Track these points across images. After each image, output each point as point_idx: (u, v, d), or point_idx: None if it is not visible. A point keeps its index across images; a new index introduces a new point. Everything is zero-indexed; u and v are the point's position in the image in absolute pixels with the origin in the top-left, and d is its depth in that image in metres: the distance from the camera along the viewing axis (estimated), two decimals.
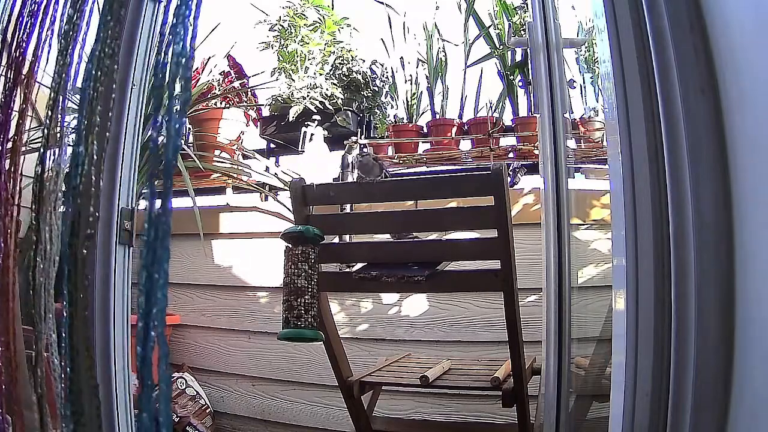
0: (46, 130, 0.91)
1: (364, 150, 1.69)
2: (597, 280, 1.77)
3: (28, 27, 1.00)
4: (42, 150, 0.91)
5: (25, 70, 1.02)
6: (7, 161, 1.01)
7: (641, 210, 0.78)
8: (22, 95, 1.01)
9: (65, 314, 0.80)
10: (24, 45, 1.00)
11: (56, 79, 0.89)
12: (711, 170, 0.72)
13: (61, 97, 0.89)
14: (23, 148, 1.06)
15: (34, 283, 0.88)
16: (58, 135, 0.91)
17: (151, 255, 0.56)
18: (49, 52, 1.01)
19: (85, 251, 0.80)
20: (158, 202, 0.58)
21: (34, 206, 0.91)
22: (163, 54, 0.62)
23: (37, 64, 1.00)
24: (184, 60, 0.59)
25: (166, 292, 0.57)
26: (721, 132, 0.72)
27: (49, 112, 0.91)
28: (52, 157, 0.92)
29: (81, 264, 0.79)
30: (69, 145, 0.92)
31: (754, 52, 0.68)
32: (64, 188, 0.90)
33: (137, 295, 0.57)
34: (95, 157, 0.77)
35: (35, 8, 0.99)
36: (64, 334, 0.80)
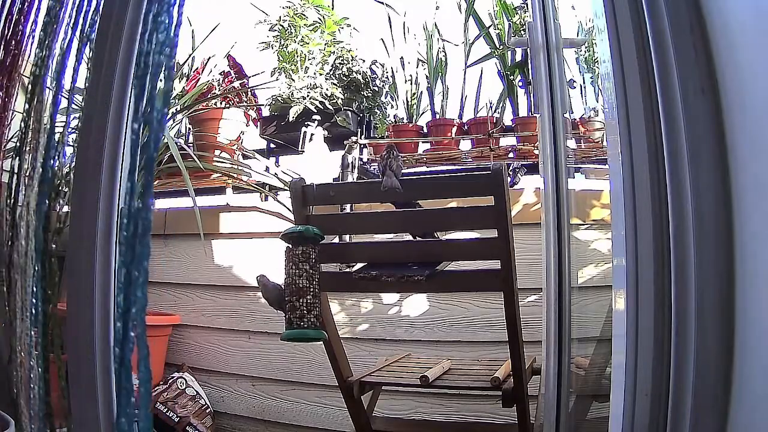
0: (23, 124, 0.91)
1: (396, 154, 1.66)
2: (597, 280, 1.77)
3: (19, 25, 0.99)
4: (18, 144, 0.91)
5: (12, 66, 1.01)
6: None
7: (641, 210, 0.78)
8: (6, 91, 1.01)
9: (37, 312, 0.79)
10: (14, 42, 0.99)
11: (35, 71, 0.89)
12: (711, 170, 0.72)
13: (38, 91, 0.88)
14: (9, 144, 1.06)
15: (10, 280, 0.87)
16: (37, 129, 0.90)
17: (130, 252, 0.55)
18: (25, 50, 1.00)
19: (54, 246, 0.79)
20: (138, 198, 0.56)
21: (8, 201, 0.90)
22: (146, 43, 0.61)
23: (22, 59, 0.99)
24: (168, 49, 0.59)
25: (146, 291, 0.55)
26: (721, 132, 0.72)
27: (27, 105, 0.90)
28: (30, 152, 0.90)
29: (51, 261, 0.79)
30: (51, 140, 0.91)
31: (754, 52, 0.68)
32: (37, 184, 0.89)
33: (116, 294, 0.56)
34: (76, 152, 0.76)
35: (25, 7, 0.99)
36: (35, 332, 0.79)
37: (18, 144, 0.92)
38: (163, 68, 0.59)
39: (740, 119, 0.70)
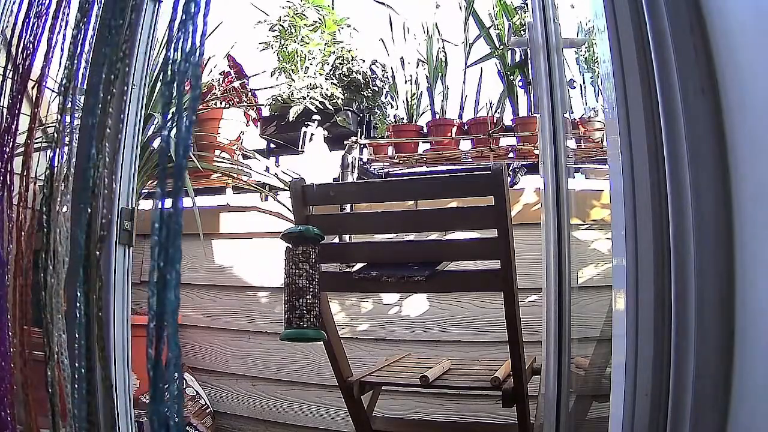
0: (55, 133, 0.91)
1: None
2: (597, 280, 1.77)
3: (35, 29, 1.00)
4: (51, 152, 0.91)
5: (31, 74, 1.02)
6: (17, 164, 1.01)
7: (641, 210, 0.78)
8: (31, 98, 1.02)
9: (79, 316, 0.80)
10: (31, 48, 1.00)
11: (65, 82, 0.90)
12: (711, 170, 0.72)
13: (69, 100, 0.89)
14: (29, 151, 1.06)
15: (46, 284, 0.88)
16: (67, 137, 0.91)
17: (163, 255, 0.56)
18: (51, 55, 1.01)
19: (98, 252, 0.80)
20: (169, 202, 0.58)
21: (43, 208, 0.91)
22: (172, 51, 0.61)
23: (47, 68, 1.00)
24: (193, 57, 0.59)
25: (179, 293, 0.56)
26: (721, 132, 0.72)
27: (58, 116, 0.91)
28: (60, 159, 0.91)
29: (95, 266, 0.79)
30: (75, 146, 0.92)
31: (754, 52, 0.68)
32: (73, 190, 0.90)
33: (149, 296, 0.57)
34: (107, 159, 0.77)
35: (42, 10, 0.99)
36: (77, 336, 0.80)
37: (51, 151, 0.92)
38: (189, 76, 0.59)
39: (740, 119, 0.70)
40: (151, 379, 0.55)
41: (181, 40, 0.60)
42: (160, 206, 0.58)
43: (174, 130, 0.58)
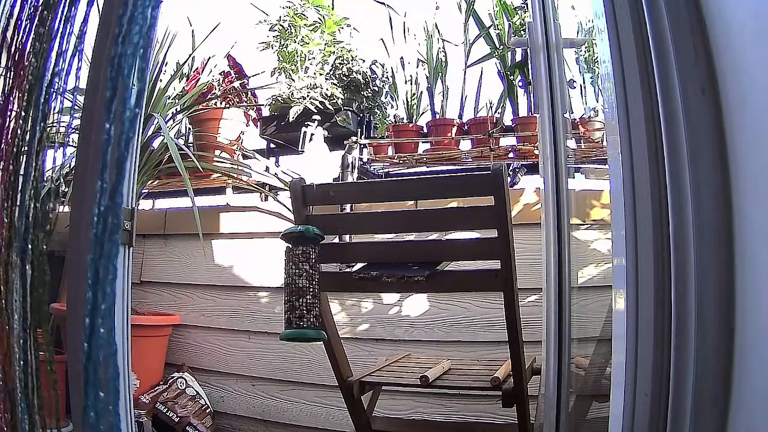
0: (19, 129, 0.92)
1: None
2: (597, 280, 1.77)
3: (26, 29, 1.00)
4: (15, 147, 0.92)
5: (23, 72, 1.02)
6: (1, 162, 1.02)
7: (641, 210, 0.78)
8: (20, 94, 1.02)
9: (15, 308, 0.81)
10: (22, 47, 1.00)
11: (30, 78, 0.90)
12: (711, 170, 0.72)
13: (35, 96, 0.89)
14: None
15: (5, 279, 0.88)
16: (30, 133, 0.91)
17: (98, 250, 0.56)
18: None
19: (44, 246, 0.80)
20: (107, 197, 0.58)
21: (5, 203, 0.91)
22: (119, 45, 0.62)
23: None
24: (142, 51, 0.60)
25: (115, 288, 0.57)
26: (721, 132, 0.72)
27: (22, 112, 0.91)
28: (21, 156, 0.92)
29: (37, 260, 0.80)
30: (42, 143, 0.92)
31: (754, 53, 0.68)
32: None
33: (84, 290, 0.57)
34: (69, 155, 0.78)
35: (33, 11, 0.99)
36: (15, 328, 0.81)
37: (13, 146, 0.92)
38: (137, 69, 0.60)
39: (740, 119, 0.70)
40: (84, 371, 0.55)
41: (131, 33, 0.60)
42: (97, 201, 0.58)
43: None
